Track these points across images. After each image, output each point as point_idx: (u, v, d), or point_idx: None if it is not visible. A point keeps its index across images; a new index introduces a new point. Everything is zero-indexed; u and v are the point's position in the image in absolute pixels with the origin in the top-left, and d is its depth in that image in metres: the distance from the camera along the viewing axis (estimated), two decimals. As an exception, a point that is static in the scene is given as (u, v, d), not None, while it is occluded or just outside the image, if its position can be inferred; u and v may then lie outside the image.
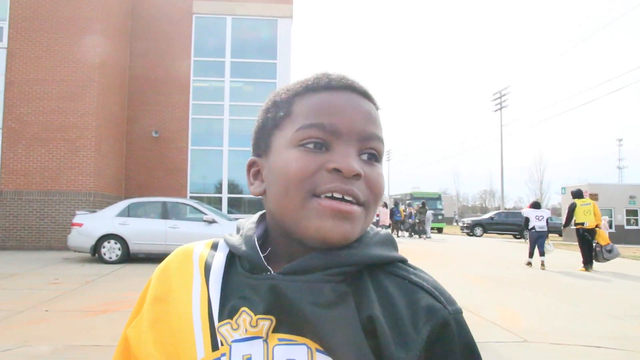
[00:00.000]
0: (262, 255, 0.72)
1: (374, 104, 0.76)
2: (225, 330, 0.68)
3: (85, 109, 14.42)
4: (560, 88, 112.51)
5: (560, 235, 29.87)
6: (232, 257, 0.77)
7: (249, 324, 0.67)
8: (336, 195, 0.67)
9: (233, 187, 17.92)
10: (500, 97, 44.05)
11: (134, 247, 11.42)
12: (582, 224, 11.89)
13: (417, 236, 26.49)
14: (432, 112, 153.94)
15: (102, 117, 14.99)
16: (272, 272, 0.70)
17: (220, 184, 17.84)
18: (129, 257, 11.42)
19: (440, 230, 34.77)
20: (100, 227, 11.40)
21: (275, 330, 0.67)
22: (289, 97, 0.75)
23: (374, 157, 0.73)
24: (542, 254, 12.20)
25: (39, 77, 14.35)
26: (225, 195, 17.71)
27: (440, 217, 34.58)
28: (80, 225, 11.38)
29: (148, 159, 17.47)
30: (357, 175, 0.68)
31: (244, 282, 0.72)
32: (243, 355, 0.66)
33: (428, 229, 26.83)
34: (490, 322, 6.06)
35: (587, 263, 11.98)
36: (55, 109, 14.33)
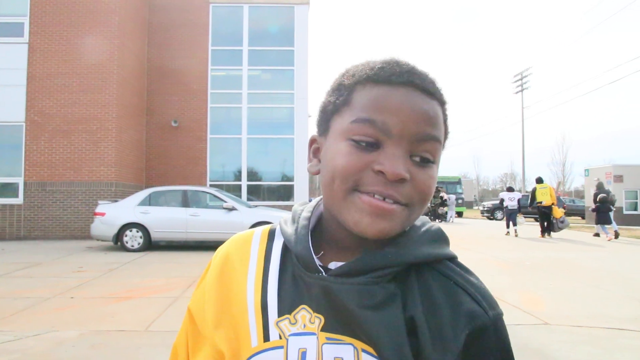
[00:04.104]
0: (315, 257, 0.74)
1: (438, 100, 0.74)
2: (284, 325, 0.72)
3: (105, 100, 14.62)
4: (584, 68, 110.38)
5: (583, 217, 29.48)
6: (287, 249, 0.79)
7: (308, 321, 0.71)
8: (377, 196, 0.68)
9: (252, 175, 18.03)
10: (521, 79, 43.31)
11: (155, 235, 11.61)
12: (540, 202, 16.03)
13: (437, 221, 26.39)
14: (452, 96, 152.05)
15: (122, 108, 15.19)
16: (324, 273, 0.72)
17: (240, 172, 17.95)
18: (150, 245, 11.62)
19: (460, 215, 34.51)
20: (122, 216, 11.62)
21: (323, 329, 0.70)
22: (352, 83, 0.74)
23: (427, 160, 0.71)
24: (515, 224, 17.04)
25: (60, 71, 14.58)
26: (244, 183, 17.83)
27: (460, 201, 34.29)
28: (102, 214, 11.60)
29: (168, 148, 17.65)
30: (402, 180, 0.68)
31: (299, 276, 0.74)
32: (299, 349, 0.69)
33: (452, 213, 26.65)
34: (512, 306, 6.03)
35: (544, 232, 16.31)
36: (75, 101, 14.57)
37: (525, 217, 30.65)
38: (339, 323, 0.70)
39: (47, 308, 5.90)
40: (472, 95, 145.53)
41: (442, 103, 0.75)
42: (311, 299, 0.72)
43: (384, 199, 0.68)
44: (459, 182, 37.72)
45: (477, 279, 0.76)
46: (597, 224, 16.81)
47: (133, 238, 11.58)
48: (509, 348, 0.73)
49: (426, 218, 0.82)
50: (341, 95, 0.74)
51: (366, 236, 0.69)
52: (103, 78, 14.64)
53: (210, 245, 11.54)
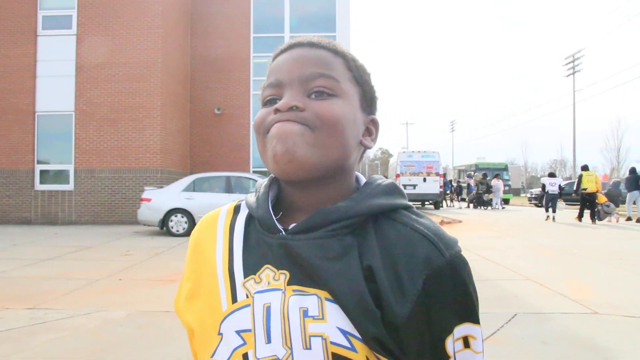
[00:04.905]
0: (274, 218, 0.78)
1: (326, 48, 0.81)
2: (249, 284, 0.76)
3: (150, 89, 14.95)
4: (638, 48, 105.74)
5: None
6: (251, 217, 0.84)
7: (272, 278, 0.75)
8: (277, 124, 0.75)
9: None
10: (573, 61, 41.84)
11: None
12: (585, 189, 16.48)
13: (482, 207, 25.96)
14: (499, 80, 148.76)
15: (167, 97, 15.50)
16: (283, 232, 0.77)
17: (281, 158, 18.04)
18: (195, 230, 11.84)
19: (506, 202, 33.82)
20: (168, 201, 11.89)
21: (289, 283, 0.74)
22: (269, 66, 0.84)
23: (322, 92, 0.76)
24: (554, 210, 17.47)
25: (106, 61, 14.97)
26: (286, 170, 17.91)
27: (506, 188, 33.56)
28: (148, 200, 11.90)
29: (211, 135, 17.92)
30: (295, 107, 0.74)
31: (262, 240, 0.78)
32: (264, 304, 0.73)
33: (498, 200, 26.17)
34: (557, 293, 5.85)
35: (581, 216, 17.06)
36: (122, 90, 14.95)
37: (566, 203, 29.90)
38: (303, 276, 0.73)
39: (97, 289, 6.11)
40: (521, 79, 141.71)
41: (333, 51, 0.81)
42: (274, 258, 0.75)
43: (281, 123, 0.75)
44: (505, 169, 36.92)
45: (434, 223, 0.78)
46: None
47: (178, 223, 11.84)
48: (467, 285, 0.74)
49: (380, 176, 0.86)
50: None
51: (282, 166, 0.74)
52: (148, 67, 14.96)
53: (252, 231, 11.64)
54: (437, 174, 24.74)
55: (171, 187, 12.34)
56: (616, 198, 17.22)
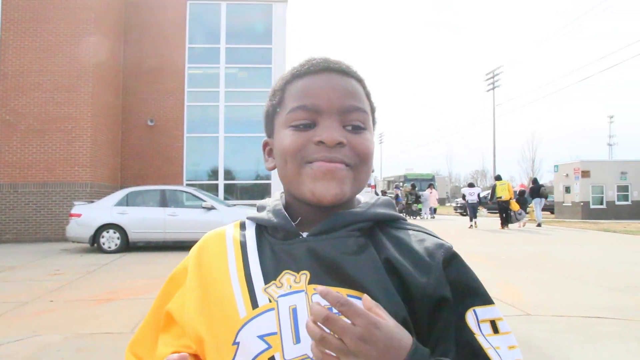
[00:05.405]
0: (293, 224, 0.84)
1: (355, 77, 0.86)
2: (271, 290, 0.78)
3: (80, 99, 14.33)
4: (553, 67, 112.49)
5: (552, 212, 30.28)
6: (260, 232, 0.88)
7: (293, 281, 0.78)
8: (324, 162, 0.79)
9: (229, 174, 17.92)
10: (493, 77, 43.85)
11: (133, 236, 11.44)
12: (500, 197, 17.90)
13: (411, 217, 26.58)
14: (426, 95, 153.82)
15: (97, 107, 14.91)
16: (303, 236, 0.83)
17: (216, 171, 17.81)
18: (127, 246, 11.45)
19: (435, 211, 34.85)
20: (99, 217, 11.41)
21: (310, 282, 0.77)
22: (282, 85, 0.87)
23: (358, 127, 0.82)
24: (475, 217, 19.06)
25: (33, 69, 14.22)
26: (221, 182, 17.69)
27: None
28: (78, 215, 11.37)
29: (144, 148, 17.38)
30: (340, 144, 0.79)
31: (278, 248, 0.83)
32: (289, 306, 0.76)
33: (427, 209, 26.87)
34: (495, 298, 6.09)
35: (503, 224, 18.06)
36: (50, 100, 14.23)
37: (488, 211, 31.48)
38: (324, 274, 0.77)
39: (26, 312, 5.75)
40: (446, 94, 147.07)
41: (359, 80, 0.87)
42: (294, 263, 0.80)
43: (329, 163, 0.79)
44: (432, 179, 38.10)
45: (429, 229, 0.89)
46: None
47: (110, 239, 11.38)
48: (471, 270, 0.83)
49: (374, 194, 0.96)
50: (276, 97, 0.87)
51: (324, 202, 0.80)
52: (78, 76, 14.34)
53: (189, 246, 11.18)
54: (369, 185, 25.14)
55: (102, 202, 11.86)
56: (523, 205, 19.07)
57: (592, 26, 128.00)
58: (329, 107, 0.80)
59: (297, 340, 0.73)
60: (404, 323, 0.70)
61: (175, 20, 17.76)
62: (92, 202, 12.12)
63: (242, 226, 0.92)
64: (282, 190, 0.94)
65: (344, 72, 0.85)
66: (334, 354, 0.62)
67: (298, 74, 0.85)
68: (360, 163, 0.82)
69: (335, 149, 0.79)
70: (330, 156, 0.79)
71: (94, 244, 11.36)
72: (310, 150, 0.80)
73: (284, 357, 0.72)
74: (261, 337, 0.74)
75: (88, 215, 11.40)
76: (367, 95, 0.88)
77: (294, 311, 0.75)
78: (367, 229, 0.83)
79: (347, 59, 0.89)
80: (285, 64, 18.12)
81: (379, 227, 0.85)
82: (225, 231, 0.92)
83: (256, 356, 0.73)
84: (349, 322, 0.61)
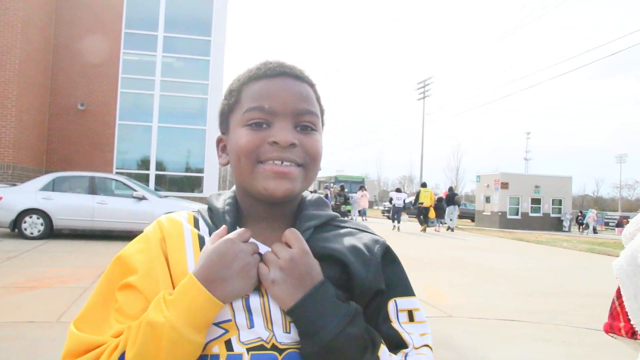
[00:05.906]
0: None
1: (307, 82, 0.93)
2: None
3: (5, 76, 13.63)
4: (480, 81, 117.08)
5: (473, 220, 31.60)
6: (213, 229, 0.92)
7: None
8: (276, 162, 0.85)
9: (161, 164, 17.56)
10: (424, 87, 45.21)
11: (58, 223, 11.00)
12: (422, 203, 19.65)
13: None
14: (359, 97, 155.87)
15: (24, 87, 14.24)
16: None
17: (148, 161, 17.42)
18: (52, 232, 10.99)
19: (364, 213, 35.40)
20: (22, 201, 10.89)
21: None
22: (239, 86, 0.92)
23: (309, 127, 0.89)
24: (399, 221, 20.31)
25: (-45, 41, 13.41)
26: (153, 172, 17.33)
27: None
28: (-1, 198, 10.84)
29: (73, 132, 16.75)
30: (293, 145, 0.85)
31: None
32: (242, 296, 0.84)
33: (355, 211, 27.31)
34: (420, 300, 6.39)
35: (422, 224, 19.71)
36: (-28, 75, 13.46)
37: (409, 216, 32.62)
38: None
39: (-58, 298, 5.47)
40: (379, 98, 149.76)
41: (312, 85, 0.94)
42: None
43: (281, 164, 0.85)
44: (362, 182, 38.65)
45: (362, 223, 1.00)
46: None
47: (33, 225, 10.90)
48: (400, 263, 0.96)
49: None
50: (232, 97, 0.92)
51: (275, 197, 0.85)
52: (4, 52, 13.63)
53: (118, 235, 11.11)
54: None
55: (26, 185, 11.32)
56: (440, 212, 20.96)
57: (520, 44, 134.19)
58: (283, 109, 0.86)
59: (252, 324, 0.81)
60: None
61: (111, 2, 17.21)
62: (15, 185, 11.58)
63: (196, 222, 0.94)
64: (233, 188, 1.00)
65: (298, 77, 0.91)
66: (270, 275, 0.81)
67: (255, 77, 0.90)
68: (310, 162, 0.89)
69: (288, 149, 0.85)
70: (283, 156, 0.85)
71: (15, 229, 10.84)
72: (264, 149, 0.85)
73: (239, 340, 0.80)
74: (217, 324, 0.80)
75: (10, 198, 10.85)
76: (318, 99, 0.94)
77: (247, 300, 0.82)
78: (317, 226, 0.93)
79: (286, 58, 0.95)
80: (223, 58, 18.00)
81: (318, 226, 0.94)
82: (181, 219, 0.94)
83: (213, 340, 0.80)
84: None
